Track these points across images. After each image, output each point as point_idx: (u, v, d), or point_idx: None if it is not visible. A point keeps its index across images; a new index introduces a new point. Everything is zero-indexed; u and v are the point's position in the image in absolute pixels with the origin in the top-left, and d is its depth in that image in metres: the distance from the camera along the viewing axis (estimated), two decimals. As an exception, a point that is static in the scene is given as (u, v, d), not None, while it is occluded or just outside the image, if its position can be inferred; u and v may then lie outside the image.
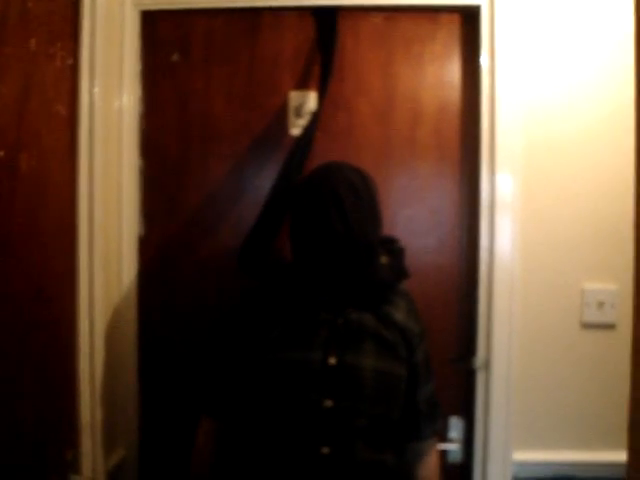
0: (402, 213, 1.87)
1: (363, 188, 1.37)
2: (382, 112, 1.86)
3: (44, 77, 1.46)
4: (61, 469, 1.56)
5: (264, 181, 1.83)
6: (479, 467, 1.82)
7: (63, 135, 1.56)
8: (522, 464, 1.81)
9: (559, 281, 1.82)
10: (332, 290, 1.39)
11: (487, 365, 1.80)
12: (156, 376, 1.91)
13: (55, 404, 1.54)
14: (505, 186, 1.79)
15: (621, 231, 1.77)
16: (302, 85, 1.86)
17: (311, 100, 1.84)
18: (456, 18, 1.85)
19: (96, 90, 1.64)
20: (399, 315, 1.44)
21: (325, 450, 1.30)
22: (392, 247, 1.51)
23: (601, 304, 1.80)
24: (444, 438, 1.85)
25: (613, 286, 1.80)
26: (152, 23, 1.87)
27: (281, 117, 1.86)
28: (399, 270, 1.48)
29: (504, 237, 1.79)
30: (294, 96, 1.85)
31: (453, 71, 1.86)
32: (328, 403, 1.31)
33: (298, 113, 1.84)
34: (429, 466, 1.53)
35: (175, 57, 1.88)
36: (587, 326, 1.82)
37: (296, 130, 1.82)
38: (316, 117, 1.73)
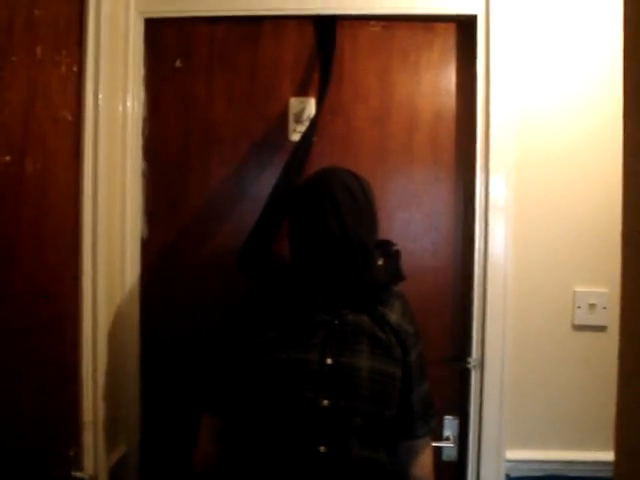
0: (398, 216, 1.90)
1: (359, 192, 1.41)
2: (379, 118, 1.89)
3: (49, 83, 1.49)
4: (63, 466, 1.58)
5: (264, 185, 1.86)
6: (472, 465, 1.85)
7: (68, 139, 1.59)
8: (515, 463, 1.84)
9: (551, 284, 1.85)
10: (329, 291, 1.41)
11: (481, 365, 1.83)
12: (158, 374, 1.94)
13: (57, 401, 1.56)
14: (499, 191, 1.82)
15: (612, 235, 1.77)
16: (302, 92, 1.90)
17: (311, 106, 1.88)
18: (452, 27, 1.89)
19: (100, 95, 1.67)
20: (394, 316, 1.47)
21: (322, 449, 1.32)
22: (388, 250, 1.54)
23: (592, 306, 1.84)
24: (438, 437, 1.88)
25: (604, 289, 1.83)
26: (156, 30, 1.92)
27: (281, 123, 1.90)
28: (394, 272, 1.50)
29: (498, 240, 1.82)
30: (294, 102, 1.89)
31: (449, 79, 1.90)
32: (325, 402, 1.33)
33: (298, 119, 1.88)
34: (423, 464, 1.54)
35: (178, 63, 1.92)
36: (579, 328, 1.85)
37: (296, 135, 1.86)
38: (315, 123, 1.77)
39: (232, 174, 1.91)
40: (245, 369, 1.44)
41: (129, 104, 1.87)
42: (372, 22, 1.89)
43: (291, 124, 1.89)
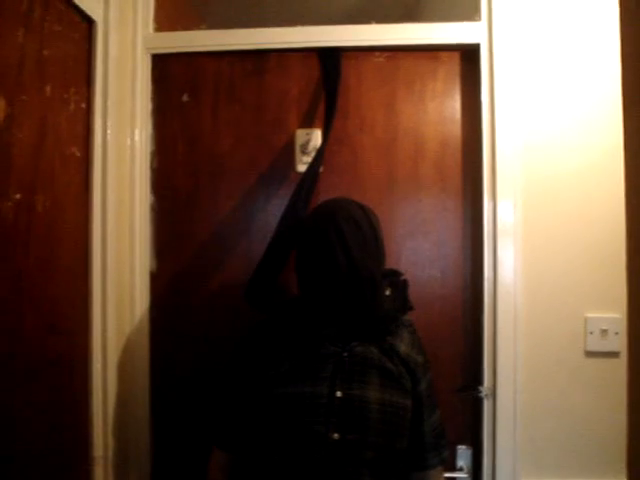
0: (406, 245, 1.90)
1: (366, 223, 1.41)
2: (385, 148, 1.90)
3: (59, 121, 1.52)
4: (75, 501, 1.58)
5: (271, 216, 1.88)
6: (487, 496, 1.83)
7: (77, 175, 1.62)
8: (529, 492, 1.82)
9: (562, 310, 1.83)
10: (337, 323, 1.41)
11: (493, 394, 1.81)
12: (168, 408, 1.93)
13: (68, 436, 1.56)
14: (507, 218, 1.82)
15: (623, 259, 1.79)
16: (308, 123, 1.91)
17: (317, 137, 1.89)
18: (456, 56, 1.91)
19: (109, 131, 1.71)
20: (403, 347, 1.46)
21: (332, 483, 1.31)
22: (395, 280, 1.53)
23: (604, 332, 1.82)
24: (451, 467, 1.85)
25: (616, 314, 1.81)
26: (163, 65, 1.95)
27: (288, 154, 1.91)
28: (402, 303, 1.50)
29: (507, 267, 1.81)
30: (300, 134, 1.91)
31: (454, 107, 1.91)
32: (335, 436, 1.31)
33: (304, 150, 1.89)
34: (435, 496, 1.53)
35: (185, 97, 1.95)
36: (591, 354, 1.82)
37: (302, 167, 1.87)
38: (321, 153, 1.78)
39: (239, 206, 1.92)
40: (255, 403, 1.43)
41: (137, 138, 1.89)
42: (376, 53, 1.91)
43: (298, 155, 1.90)
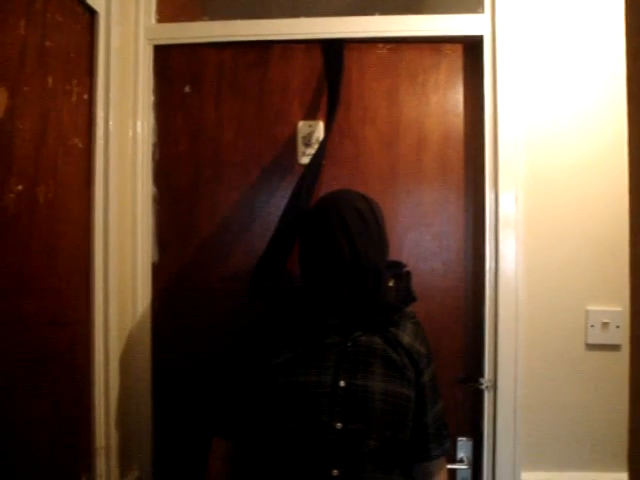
0: (409, 237, 1.90)
1: (369, 214, 1.42)
2: (388, 140, 1.90)
3: (61, 112, 1.51)
4: (76, 492, 1.59)
5: (274, 209, 1.88)
6: (488, 487, 1.84)
7: (79, 166, 1.61)
8: (530, 484, 1.83)
9: (563, 302, 1.84)
10: (341, 314, 1.41)
11: (494, 386, 1.82)
12: (169, 398, 1.94)
13: (70, 428, 1.56)
14: (509, 210, 1.82)
15: (624, 252, 1.79)
16: (310, 115, 1.91)
17: (319, 129, 1.89)
18: (459, 48, 1.90)
19: (111, 122, 1.69)
20: (406, 337, 1.46)
21: (335, 472, 1.31)
22: (399, 271, 1.54)
23: (605, 325, 1.82)
24: (452, 458, 1.86)
25: (617, 307, 1.82)
26: (165, 57, 1.94)
27: (290, 146, 1.91)
28: (406, 293, 1.50)
29: (508, 259, 1.82)
30: (303, 126, 1.90)
31: (456, 99, 1.91)
32: (338, 425, 1.32)
33: (307, 142, 1.89)
34: (438, 486, 1.54)
35: (187, 89, 1.94)
36: (592, 347, 1.83)
37: (305, 159, 1.87)
38: (323, 146, 1.78)
39: (242, 198, 1.92)
40: (257, 392, 1.43)
41: (139, 130, 1.89)
42: (379, 45, 1.91)
43: (300, 147, 1.90)
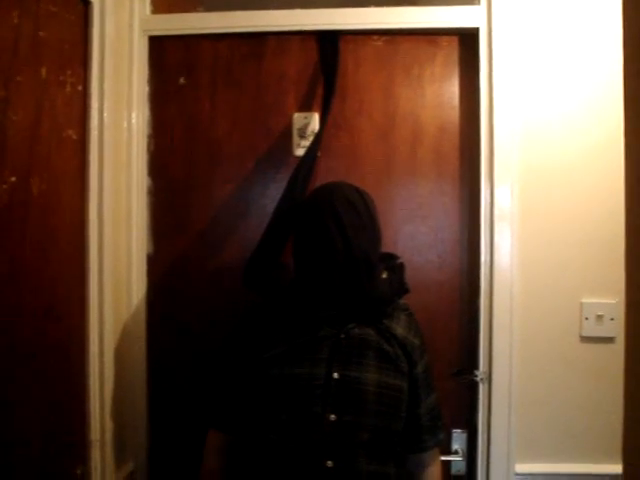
0: (404, 230, 1.90)
1: (362, 206, 1.41)
2: (383, 132, 1.90)
3: (55, 103, 1.50)
4: (71, 484, 1.59)
5: (269, 200, 1.88)
6: (482, 479, 1.84)
7: (73, 158, 1.60)
8: (524, 476, 1.83)
9: (558, 295, 1.84)
10: (334, 305, 1.41)
11: (488, 378, 1.82)
12: (165, 391, 1.94)
13: (65, 420, 1.56)
14: (504, 203, 1.82)
15: (619, 245, 1.78)
16: (306, 107, 1.91)
17: (314, 121, 1.88)
18: (455, 40, 1.90)
19: (105, 114, 1.68)
20: (400, 329, 1.47)
21: (329, 463, 1.31)
22: (392, 263, 1.53)
23: (600, 318, 1.83)
24: (447, 450, 1.87)
25: (611, 300, 1.82)
26: (160, 48, 1.93)
27: (285, 138, 1.90)
28: (399, 285, 1.50)
29: (503, 252, 1.82)
30: (298, 118, 1.90)
31: (452, 92, 1.90)
32: (332, 417, 1.33)
33: (302, 134, 1.88)
34: (432, 477, 1.54)
35: (182, 80, 1.94)
36: (586, 339, 1.84)
37: (300, 150, 1.86)
38: (319, 137, 1.78)
39: (237, 190, 1.91)
40: (251, 384, 1.44)
41: (134, 121, 1.88)
42: (375, 37, 1.90)
43: (295, 139, 1.90)
